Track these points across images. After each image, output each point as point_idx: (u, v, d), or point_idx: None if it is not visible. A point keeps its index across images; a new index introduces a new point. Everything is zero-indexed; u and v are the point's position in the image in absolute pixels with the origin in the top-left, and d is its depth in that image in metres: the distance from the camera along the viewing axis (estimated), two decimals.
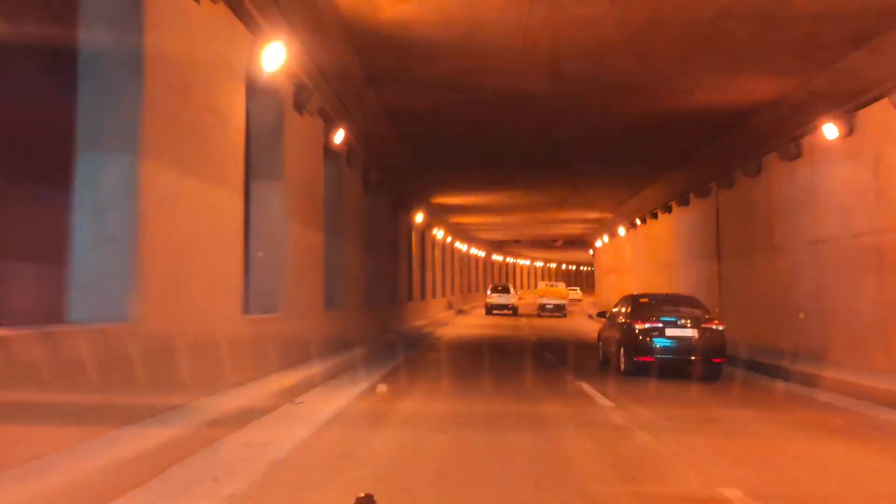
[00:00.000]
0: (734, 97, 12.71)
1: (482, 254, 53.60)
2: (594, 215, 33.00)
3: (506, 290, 40.31)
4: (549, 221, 35.00)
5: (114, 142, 6.18)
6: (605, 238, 36.67)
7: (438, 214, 30.14)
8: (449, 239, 37.74)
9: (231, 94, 8.23)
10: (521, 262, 77.26)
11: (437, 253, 34.21)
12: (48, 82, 6.39)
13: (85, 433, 5.08)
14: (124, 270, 6.08)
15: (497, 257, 62.79)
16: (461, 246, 41.24)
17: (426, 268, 30.18)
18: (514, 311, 38.57)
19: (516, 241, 54.93)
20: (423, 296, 28.85)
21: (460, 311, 39.49)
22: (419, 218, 25.64)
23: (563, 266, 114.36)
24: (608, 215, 32.47)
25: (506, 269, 71.72)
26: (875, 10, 8.51)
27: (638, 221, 27.92)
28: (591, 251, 47.96)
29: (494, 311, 38.08)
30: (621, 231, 31.93)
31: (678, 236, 22.87)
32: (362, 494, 2.50)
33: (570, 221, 35.96)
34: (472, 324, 30.28)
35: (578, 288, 68.89)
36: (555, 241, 53.20)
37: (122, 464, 4.84)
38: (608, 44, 9.97)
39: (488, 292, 40.25)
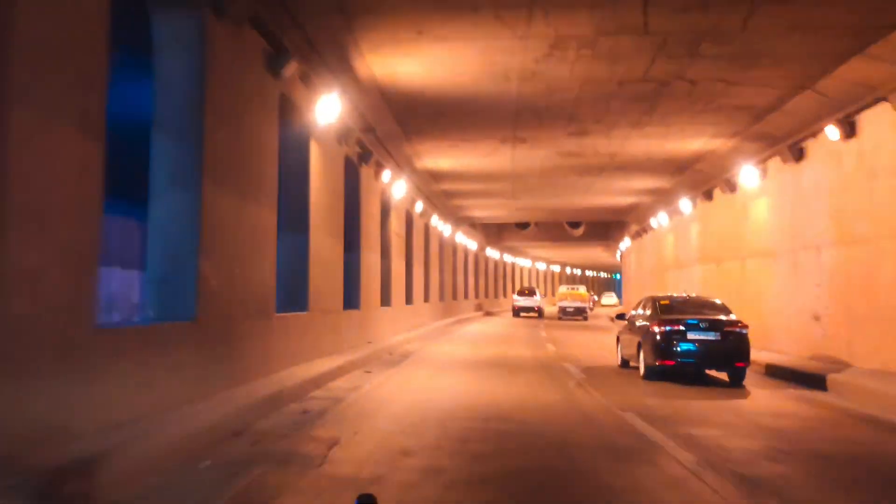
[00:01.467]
0: None
1: (473, 245, 44.17)
2: (642, 185, 26.68)
3: (532, 293, 45.82)
4: (578, 191, 28.22)
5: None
6: (657, 222, 30.54)
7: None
8: (433, 218, 31.49)
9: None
10: (520, 262, 69.76)
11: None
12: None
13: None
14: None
15: (492, 253, 53.36)
16: (442, 227, 33.00)
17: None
18: (539, 313, 43.86)
19: (521, 227, 46.18)
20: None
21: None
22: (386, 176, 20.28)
23: (572, 270, 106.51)
24: (664, 184, 25.85)
25: (503, 270, 62.14)
26: None
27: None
28: (618, 251, 49.13)
29: (522, 314, 43.97)
30: (686, 204, 25.35)
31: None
32: (363, 494, 2.58)
33: (605, 194, 29.10)
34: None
35: (614, 293, 73.57)
36: (576, 225, 46.10)
37: None
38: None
39: (515, 296, 46.21)
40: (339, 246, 14.91)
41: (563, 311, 42.62)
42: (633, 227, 38.35)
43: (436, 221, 30.02)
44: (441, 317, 32.83)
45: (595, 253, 62.83)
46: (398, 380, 12.68)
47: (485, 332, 27.96)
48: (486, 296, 52.43)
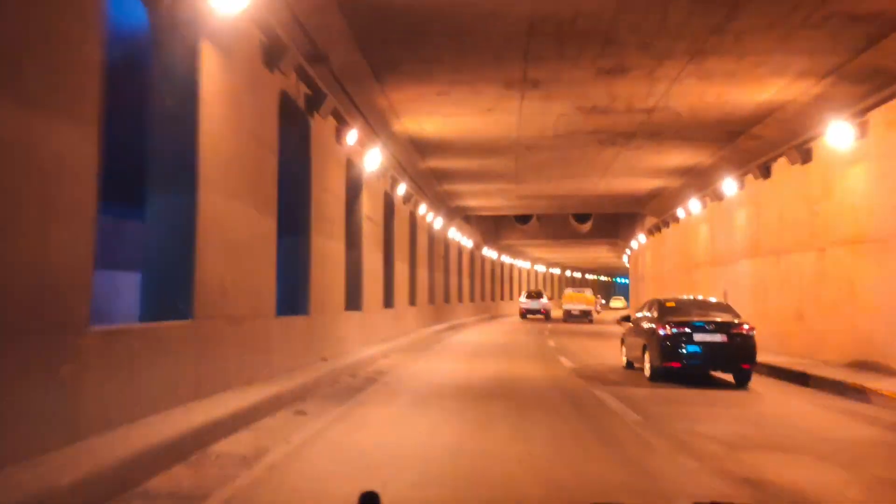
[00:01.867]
0: None
1: (468, 243, 39.60)
2: (676, 162, 21.82)
3: (539, 296, 47.21)
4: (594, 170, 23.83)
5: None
6: (684, 211, 25.83)
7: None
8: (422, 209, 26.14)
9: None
10: (519, 263, 65.37)
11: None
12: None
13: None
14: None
15: (489, 253, 48.40)
16: (431, 218, 27.81)
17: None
18: (546, 315, 44.65)
19: (521, 220, 42.80)
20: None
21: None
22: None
23: (573, 273, 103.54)
24: (703, 159, 20.94)
25: (501, 271, 57.32)
26: None
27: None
28: (627, 251, 47.43)
29: (529, 316, 44.87)
30: (730, 185, 20.56)
31: None
32: (365, 491, 2.39)
33: (627, 174, 24.32)
34: None
35: (623, 297, 73.07)
36: (583, 219, 42.83)
37: None
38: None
39: (522, 298, 47.86)
40: (268, 221, 10.26)
41: (568, 313, 43.03)
42: (650, 221, 34.36)
43: (424, 211, 25.21)
44: (431, 322, 28.17)
45: (599, 253, 59.86)
46: (342, 430, 7.88)
47: (483, 342, 23.25)
48: (483, 299, 48.01)
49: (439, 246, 31.30)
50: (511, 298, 61.17)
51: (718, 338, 13.02)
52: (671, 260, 30.81)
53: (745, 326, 13.15)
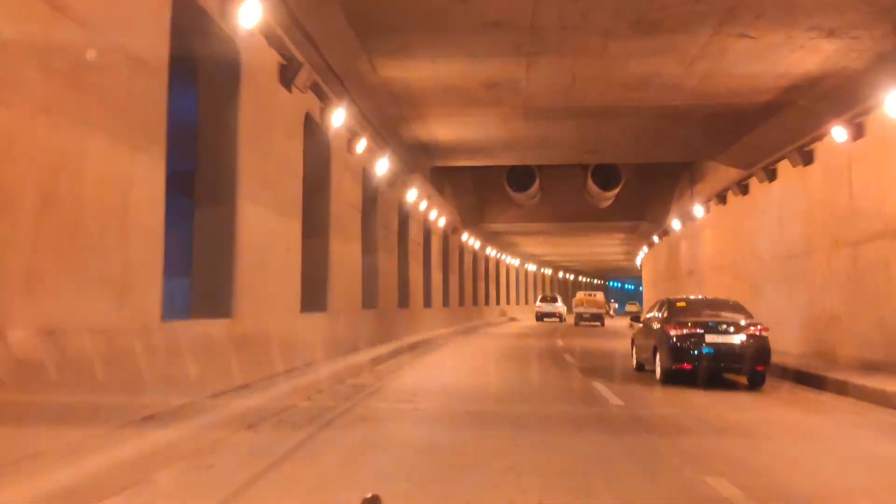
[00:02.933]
0: None
1: (441, 222, 31.15)
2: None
3: (554, 300, 54.98)
4: None
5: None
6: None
7: None
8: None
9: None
10: (508, 260, 62.03)
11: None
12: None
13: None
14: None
15: (472, 242, 40.75)
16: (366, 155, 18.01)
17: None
18: (560, 318, 52.87)
19: (518, 185, 31.84)
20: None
21: None
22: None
23: (566, 274, 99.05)
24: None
25: (486, 266, 52.26)
26: None
27: None
28: (643, 249, 51.49)
29: (545, 318, 52.76)
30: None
31: None
32: (369, 495, 2.51)
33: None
34: None
35: (637, 303, 77.23)
36: (606, 181, 30.98)
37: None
38: None
39: (538, 302, 56.14)
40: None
41: (579, 316, 47.55)
42: (723, 179, 24.92)
43: (342, 122, 15.77)
44: (368, 343, 18.29)
45: (608, 247, 61.00)
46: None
47: (464, 386, 14.54)
48: (462, 303, 41.69)
49: (388, 212, 22.84)
50: (499, 303, 60.40)
51: (731, 339, 13.88)
52: (761, 242, 21.37)
53: (759, 327, 14.28)
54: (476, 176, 34.22)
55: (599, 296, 50.37)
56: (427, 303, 30.21)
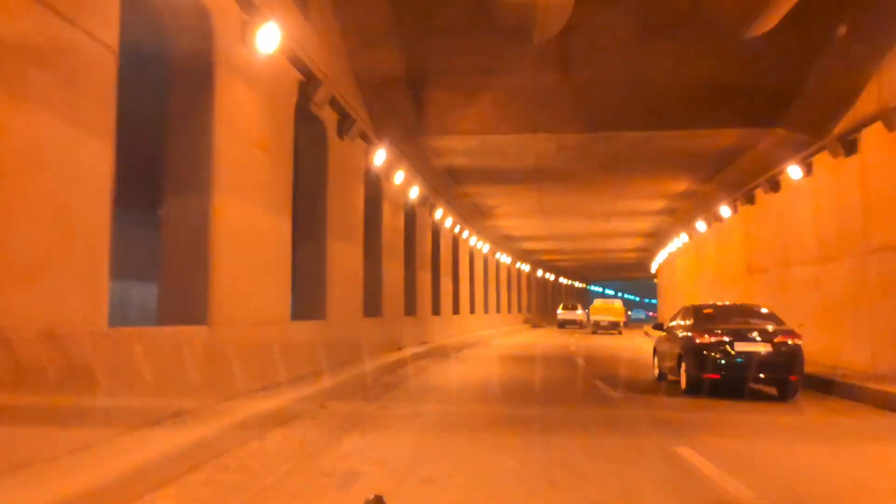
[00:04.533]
0: None
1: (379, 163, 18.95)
2: None
3: (574, 308, 59.02)
4: None
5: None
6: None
7: None
8: None
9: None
10: (473, 241, 38.57)
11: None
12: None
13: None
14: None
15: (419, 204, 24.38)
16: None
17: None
18: (581, 325, 56.83)
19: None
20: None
21: None
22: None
23: (545, 274, 78.90)
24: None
25: (454, 249, 34.11)
26: None
27: None
28: (676, 240, 41.49)
29: (567, 326, 56.49)
30: None
31: None
32: (371, 496, 2.57)
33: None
34: None
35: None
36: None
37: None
38: None
39: (559, 310, 59.55)
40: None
41: (597, 325, 49.25)
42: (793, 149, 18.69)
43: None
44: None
45: (613, 236, 45.76)
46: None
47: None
48: (413, 312, 25.50)
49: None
50: (469, 312, 39.82)
51: (762, 347, 13.73)
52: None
53: (792, 334, 14.17)
54: None
55: (617, 303, 50.94)
56: (371, 310, 18.75)
